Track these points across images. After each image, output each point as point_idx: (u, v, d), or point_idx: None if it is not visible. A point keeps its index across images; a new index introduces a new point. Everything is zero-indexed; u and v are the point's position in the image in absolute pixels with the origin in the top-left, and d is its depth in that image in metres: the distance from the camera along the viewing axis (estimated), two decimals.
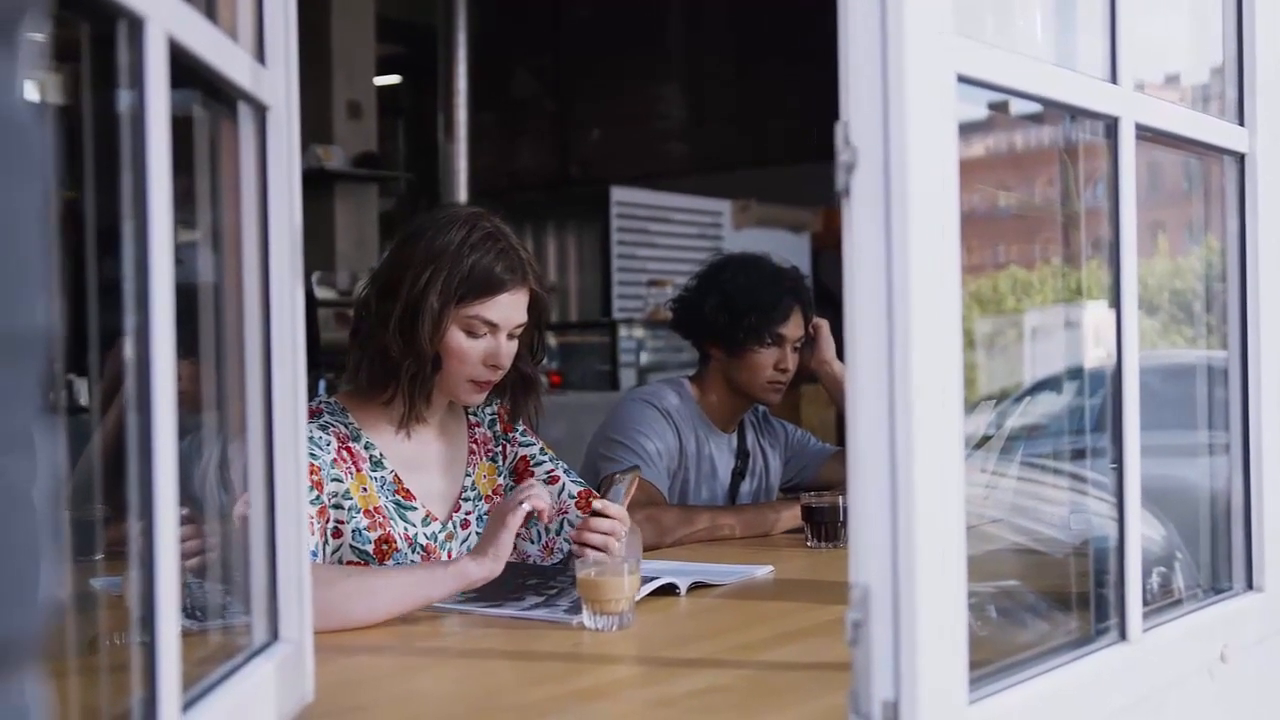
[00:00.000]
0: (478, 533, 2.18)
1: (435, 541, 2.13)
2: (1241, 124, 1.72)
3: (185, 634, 1.00)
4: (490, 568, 1.85)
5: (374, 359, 2.09)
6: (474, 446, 2.25)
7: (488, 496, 2.23)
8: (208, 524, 1.46)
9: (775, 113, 8.68)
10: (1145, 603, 1.47)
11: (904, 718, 1.09)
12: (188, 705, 1.03)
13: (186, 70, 1.05)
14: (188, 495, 1.03)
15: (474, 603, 1.95)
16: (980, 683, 1.20)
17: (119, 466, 0.97)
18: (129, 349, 0.95)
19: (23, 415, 0.48)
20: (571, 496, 2.25)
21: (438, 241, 2.06)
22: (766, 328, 2.84)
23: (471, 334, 2.08)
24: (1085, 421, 1.82)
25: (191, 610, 1.26)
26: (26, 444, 0.49)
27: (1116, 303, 1.45)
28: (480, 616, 1.90)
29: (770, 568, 2.28)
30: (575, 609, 1.83)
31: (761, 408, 3.06)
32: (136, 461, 0.94)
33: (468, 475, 2.22)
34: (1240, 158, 1.72)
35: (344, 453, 2.07)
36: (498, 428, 2.29)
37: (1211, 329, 1.91)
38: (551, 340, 7.41)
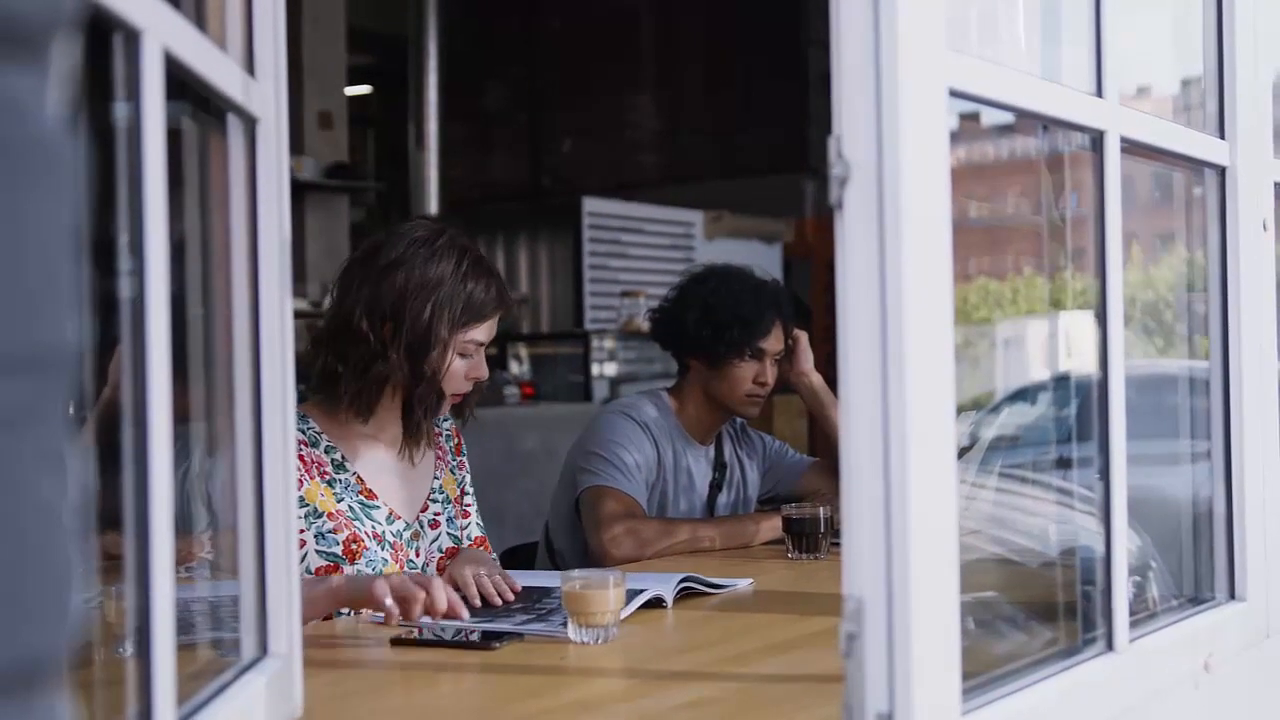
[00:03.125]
0: (448, 533, 2.27)
1: (401, 539, 2.18)
2: (1222, 137, 1.73)
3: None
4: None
5: (372, 384, 2.12)
6: (440, 453, 2.33)
7: (455, 500, 2.32)
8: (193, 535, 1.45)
9: (747, 124, 8.71)
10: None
11: None
12: None
13: (178, 82, 1.05)
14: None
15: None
16: (973, 694, 1.20)
17: (100, 480, 0.95)
18: (125, 362, 0.94)
19: (54, 433, 0.48)
20: (470, 539, 2.33)
21: (431, 272, 2.12)
22: (748, 341, 2.84)
23: (464, 355, 2.18)
24: (1063, 432, 1.83)
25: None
26: (58, 462, 0.48)
27: (1102, 314, 1.45)
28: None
29: (750, 581, 2.27)
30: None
31: (739, 419, 3.06)
32: (132, 477, 0.93)
33: (436, 478, 2.29)
34: (1221, 170, 1.73)
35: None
36: (451, 444, 2.37)
37: (1189, 339, 1.92)
38: (523, 351, 7.39)
